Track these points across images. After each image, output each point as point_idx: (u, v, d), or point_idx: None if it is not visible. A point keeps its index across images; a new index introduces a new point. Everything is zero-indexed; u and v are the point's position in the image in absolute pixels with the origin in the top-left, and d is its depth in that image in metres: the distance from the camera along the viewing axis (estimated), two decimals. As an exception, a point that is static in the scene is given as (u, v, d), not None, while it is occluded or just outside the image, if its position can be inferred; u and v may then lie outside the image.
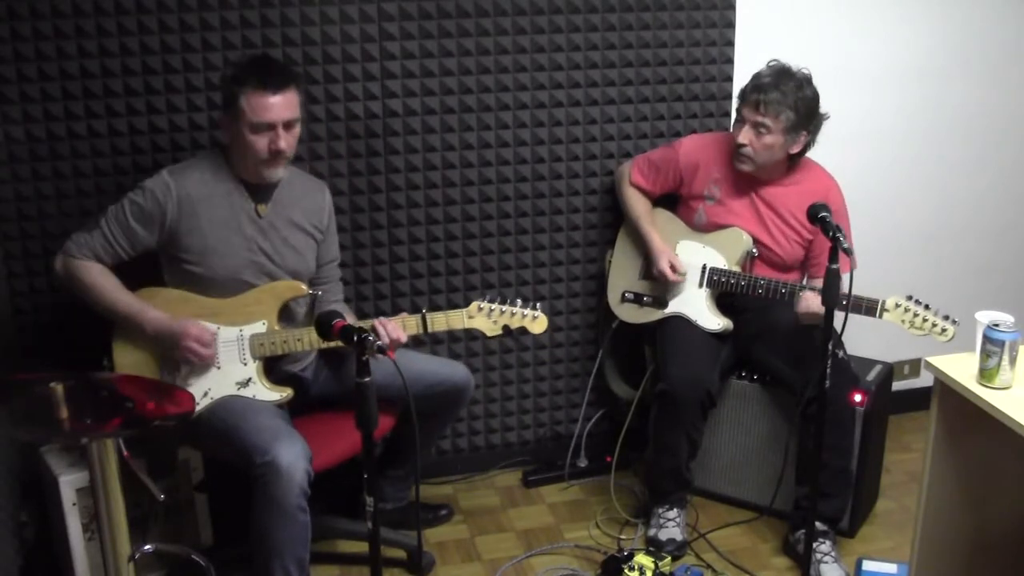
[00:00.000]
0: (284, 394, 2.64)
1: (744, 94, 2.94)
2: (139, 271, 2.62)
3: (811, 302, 2.81)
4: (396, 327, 2.60)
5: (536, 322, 2.75)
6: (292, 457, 2.41)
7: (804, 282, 3.05)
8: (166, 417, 2.24)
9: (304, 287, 2.67)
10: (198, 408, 2.57)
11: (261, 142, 2.51)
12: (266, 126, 2.50)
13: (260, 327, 2.62)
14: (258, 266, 2.63)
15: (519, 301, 2.75)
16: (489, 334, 2.74)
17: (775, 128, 2.87)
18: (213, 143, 2.87)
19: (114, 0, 2.76)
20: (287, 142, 2.53)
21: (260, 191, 2.64)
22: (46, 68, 2.76)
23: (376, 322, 2.59)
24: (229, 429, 2.52)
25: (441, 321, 2.68)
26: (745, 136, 2.91)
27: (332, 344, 2.57)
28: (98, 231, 2.56)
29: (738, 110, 2.96)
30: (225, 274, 2.60)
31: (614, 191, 3.27)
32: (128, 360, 2.60)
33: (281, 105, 2.50)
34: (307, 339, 2.62)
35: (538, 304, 2.76)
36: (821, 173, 3.06)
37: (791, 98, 2.85)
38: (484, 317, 2.70)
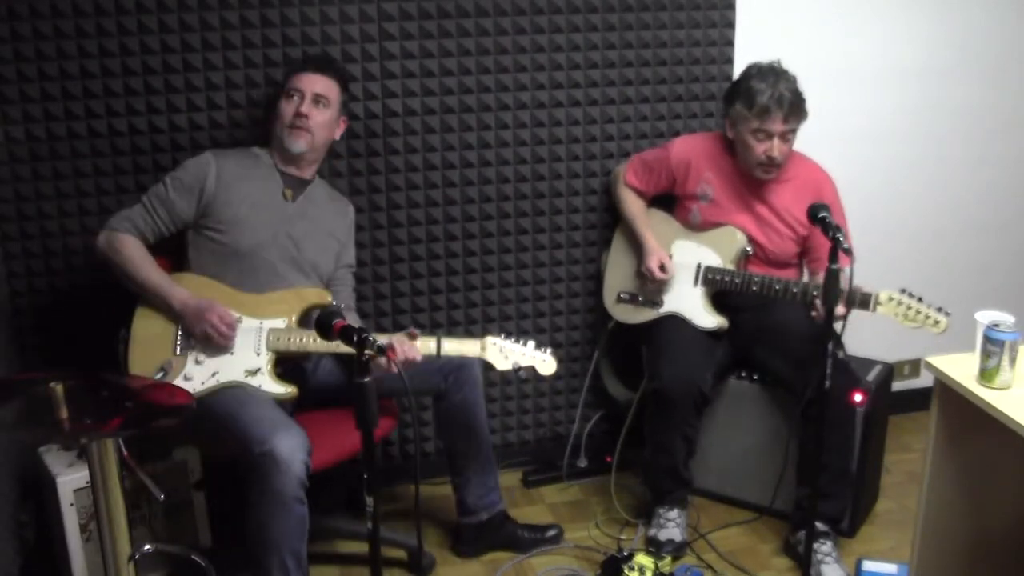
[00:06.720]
0: (289, 390, 2.65)
1: (762, 110, 2.84)
2: (165, 255, 2.74)
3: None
4: (412, 347, 2.62)
5: (545, 364, 2.79)
6: (291, 447, 2.41)
7: (805, 277, 3.04)
8: (166, 416, 2.23)
9: (330, 296, 2.76)
10: (203, 388, 2.59)
11: (288, 107, 2.72)
12: (296, 92, 2.72)
13: (280, 323, 2.68)
14: (282, 249, 2.73)
15: (531, 342, 2.79)
16: (499, 368, 2.77)
17: (798, 129, 2.90)
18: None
19: (114, 0, 2.76)
20: (308, 110, 2.71)
21: (295, 184, 2.80)
22: (46, 68, 2.76)
23: (394, 340, 2.60)
24: (228, 418, 2.52)
25: (454, 348, 2.72)
26: (778, 150, 2.88)
27: (344, 350, 2.58)
28: (139, 205, 2.70)
29: (759, 129, 2.87)
30: (249, 246, 2.69)
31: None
32: (146, 333, 2.64)
33: (314, 80, 2.74)
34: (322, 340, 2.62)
35: (549, 350, 2.79)
36: (812, 166, 3.05)
37: (799, 95, 2.87)
38: (496, 352, 2.76)
